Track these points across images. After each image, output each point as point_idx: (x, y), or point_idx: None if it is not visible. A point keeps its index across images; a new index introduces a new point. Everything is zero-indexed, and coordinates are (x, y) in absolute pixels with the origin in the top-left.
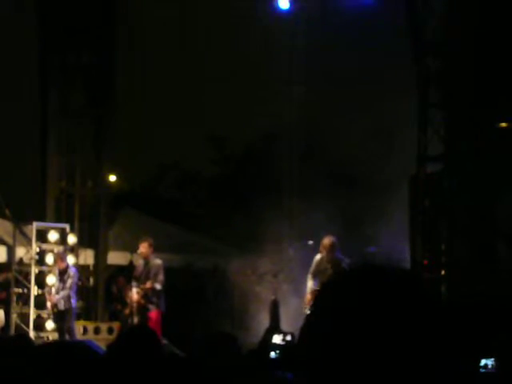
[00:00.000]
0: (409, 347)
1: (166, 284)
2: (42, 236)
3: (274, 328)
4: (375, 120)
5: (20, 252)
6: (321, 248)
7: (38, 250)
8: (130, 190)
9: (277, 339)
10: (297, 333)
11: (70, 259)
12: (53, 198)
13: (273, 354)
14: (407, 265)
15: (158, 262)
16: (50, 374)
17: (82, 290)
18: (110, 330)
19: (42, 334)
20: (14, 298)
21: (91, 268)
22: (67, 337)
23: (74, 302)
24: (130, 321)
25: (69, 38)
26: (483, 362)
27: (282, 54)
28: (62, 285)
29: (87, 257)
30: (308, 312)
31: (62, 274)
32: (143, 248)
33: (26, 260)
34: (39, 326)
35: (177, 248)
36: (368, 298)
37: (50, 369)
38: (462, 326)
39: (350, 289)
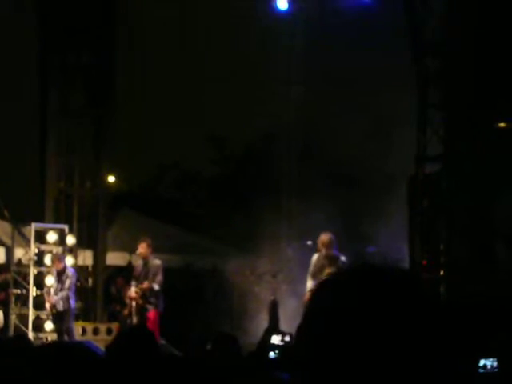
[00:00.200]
0: (407, 347)
1: (165, 284)
2: (40, 237)
3: (273, 328)
4: (374, 120)
5: (19, 253)
6: (319, 245)
7: (36, 250)
8: (128, 191)
9: (276, 339)
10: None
11: (69, 260)
12: (51, 199)
13: (272, 355)
14: (406, 265)
15: (157, 262)
16: (49, 375)
17: (80, 291)
18: (109, 331)
19: (41, 335)
20: (13, 299)
21: (90, 269)
22: (66, 337)
23: (72, 302)
24: (128, 321)
25: (69, 38)
26: (482, 362)
27: (280, 54)
28: (60, 286)
29: (86, 257)
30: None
31: (60, 275)
32: (142, 248)
33: (24, 261)
34: (38, 326)
35: (176, 248)
36: (366, 297)
37: (48, 370)
38: (460, 327)
39: (348, 288)
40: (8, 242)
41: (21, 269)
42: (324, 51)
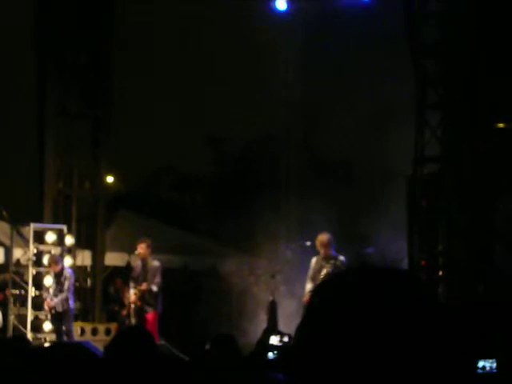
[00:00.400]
0: (406, 347)
1: (164, 285)
2: (39, 237)
3: (272, 329)
4: (373, 120)
5: (17, 253)
6: (317, 245)
7: (35, 251)
8: (127, 191)
9: (274, 340)
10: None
11: (68, 260)
12: (50, 199)
13: (270, 355)
14: (405, 265)
15: (155, 263)
16: (48, 376)
17: (79, 291)
18: (108, 331)
19: (40, 336)
20: (12, 300)
21: (88, 269)
22: (65, 338)
23: (71, 303)
24: (127, 322)
25: (67, 39)
26: (481, 363)
27: (279, 54)
28: (59, 287)
29: (84, 258)
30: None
31: (59, 277)
32: (141, 249)
33: (23, 261)
34: (37, 327)
35: (174, 249)
36: (365, 298)
37: (47, 370)
38: (459, 327)
39: (348, 289)
40: (7, 242)
41: (19, 269)
42: (323, 51)
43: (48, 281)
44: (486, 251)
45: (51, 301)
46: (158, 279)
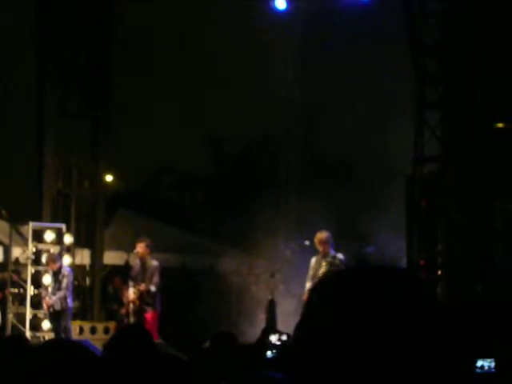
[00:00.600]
0: (406, 346)
1: (162, 284)
2: (38, 236)
3: (271, 328)
4: (372, 120)
5: (16, 252)
6: (315, 243)
7: (34, 249)
8: (126, 190)
9: (273, 339)
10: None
11: (66, 259)
12: (49, 198)
13: (269, 354)
14: (404, 264)
15: (154, 263)
16: (46, 374)
17: (78, 290)
18: (106, 330)
19: (38, 334)
20: (10, 298)
21: (87, 268)
22: (63, 336)
23: (70, 301)
24: (126, 321)
25: (67, 39)
26: (480, 363)
27: (278, 53)
28: (57, 285)
29: (83, 257)
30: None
31: (57, 275)
32: (140, 248)
33: (22, 260)
34: (35, 325)
35: (173, 248)
36: (365, 297)
37: (46, 369)
38: (458, 327)
39: (347, 288)
40: (5, 241)
41: (18, 268)
42: (322, 51)
43: (47, 279)
44: (484, 251)
45: (49, 299)
46: (156, 279)
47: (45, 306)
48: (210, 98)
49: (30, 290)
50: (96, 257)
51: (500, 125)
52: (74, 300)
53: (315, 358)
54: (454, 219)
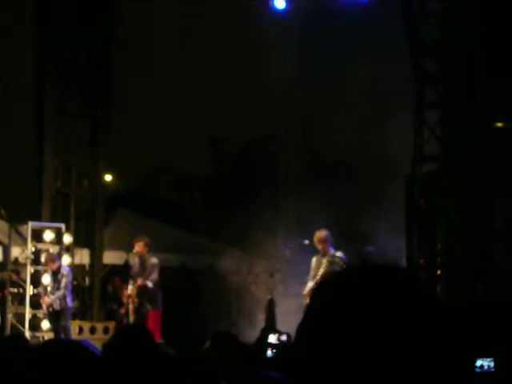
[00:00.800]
0: (407, 346)
1: (162, 283)
2: (37, 236)
3: (270, 328)
4: (372, 119)
5: (15, 252)
6: (315, 242)
7: (33, 249)
8: (125, 190)
9: (272, 339)
10: (293, 333)
11: (66, 259)
12: (48, 198)
13: (269, 353)
14: (403, 264)
15: (153, 260)
16: (46, 374)
17: (77, 290)
18: (106, 330)
19: (38, 334)
20: (10, 298)
21: (87, 267)
22: (62, 336)
23: (69, 301)
24: (125, 320)
25: (66, 38)
26: (479, 362)
27: (278, 53)
28: (56, 285)
29: (83, 256)
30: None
31: (56, 275)
32: (139, 247)
33: (21, 260)
34: (35, 325)
35: (172, 247)
36: (366, 296)
37: (45, 368)
38: (458, 326)
39: (348, 287)
40: (5, 240)
41: (18, 267)
42: (321, 50)
43: (46, 279)
44: (484, 250)
45: (47, 298)
46: (154, 276)
47: (43, 305)
48: (210, 98)
49: (30, 290)
50: (95, 256)
51: (499, 124)
52: (73, 300)
53: (317, 357)
54: (453, 219)
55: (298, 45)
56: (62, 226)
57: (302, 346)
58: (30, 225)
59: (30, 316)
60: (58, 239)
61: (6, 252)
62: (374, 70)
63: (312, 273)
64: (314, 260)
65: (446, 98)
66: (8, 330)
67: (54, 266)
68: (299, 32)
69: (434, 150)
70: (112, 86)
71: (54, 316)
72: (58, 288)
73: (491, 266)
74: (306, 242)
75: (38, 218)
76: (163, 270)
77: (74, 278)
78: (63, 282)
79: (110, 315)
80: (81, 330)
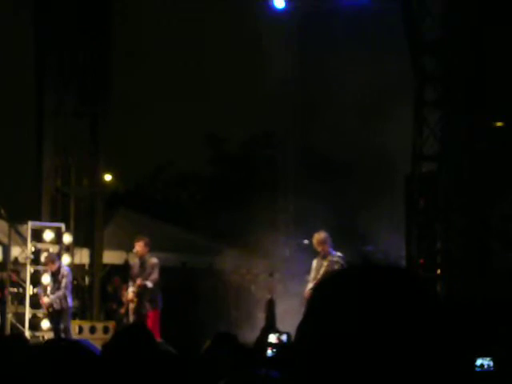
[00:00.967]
0: (408, 346)
1: (161, 283)
2: (37, 235)
3: (270, 327)
4: (371, 118)
5: (15, 251)
6: (314, 244)
7: (33, 249)
8: (125, 189)
9: (272, 338)
10: (293, 332)
11: (66, 258)
12: (48, 197)
13: (269, 353)
14: (403, 263)
15: (153, 260)
16: (45, 374)
17: (77, 290)
18: (106, 330)
19: (38, 334)
20: (10, 298)
21: (87, 267)
22: (63, 336)
23: (70, 301)
24: (125, 320)
25: (65, 38)
26: (479, 361)
27: (277, 52)
28: (56, 285)
29: (83, 256)
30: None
31: (56, 275)
32: (139, 247)
33: (21, 259)
34: (34, 325)
35: (172, 247)
36: (367, 296)
37: (45, 368)
38: (458, 325)
39: (349, 287)
40: (4, 240)
41: (17, 267)
42: (321, 50)
43: (46, 279)
44: (483, 249)
45: (46, 298)
46: (154, 275)
47: (42, 305)
48: (210, 98)
49: (29, 290)
50: (95, 256)
51: (499, 123)
52: (73, 299)
53: (317, 357)
54: (452, 218)
55: (298, 44)
56: (62, 226)
57: (301, 346)
58: (30, 224)
59: (30, 316)
60: (58, 239)
61: (6, 252)
62: (373, 70)
63: (312, 275)
64: (314, 262)
65: (446, 97)
66: (8, 330)
67: (54, 267)
68: (298, 31)
69: (434, 149)
70: (111, 85)
71: (55, 316)
72: (59, 288)
73: (490, 264)
74: (306, 241)
75: (37, 218)
76: (162, 270)
77: (74, 278)
78: (63, 282)
79: (109, 315)
80: (81, 329)
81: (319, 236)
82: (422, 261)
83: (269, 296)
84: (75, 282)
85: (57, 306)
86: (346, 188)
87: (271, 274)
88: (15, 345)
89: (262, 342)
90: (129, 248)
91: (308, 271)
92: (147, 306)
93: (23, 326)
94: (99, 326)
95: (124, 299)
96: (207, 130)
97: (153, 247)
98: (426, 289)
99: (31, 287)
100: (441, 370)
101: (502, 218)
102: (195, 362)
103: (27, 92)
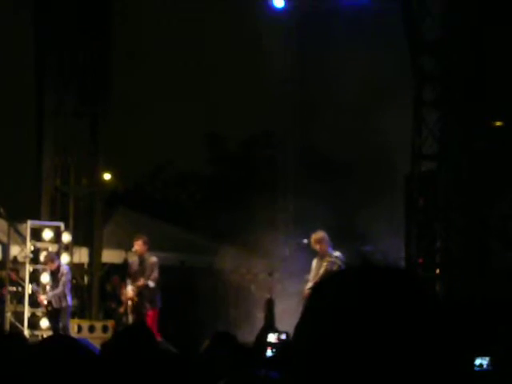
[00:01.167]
0: (407, 346)
1: (161, 282)
2: (36, 234)
3: (269, 327)
4: (371, 118)
5: (14, 250)
6: (312, 243)
7: (32, 248)
8: (124, 189)
9: (272, 338)
10: (291, 332)
11: (65, 257)
12: (47, 197)
13: (269, 353)
14: (402, 263)
15: (153, 259)
16: (44, 373)
17: (76, 289)
18: (105, 329)
19: (37, 333)
20: (9, 297)
21: (86, 266)
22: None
23: (69, 299)
24: (124, 319)
25: (65, 38)
26: (479, 361)
27: (276, 52)
28: (55, 284)
29: (82, 255)
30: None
31: (55, 274)
32: (137, 246)
33: (20, 258)
34: (33, 324)
35: (171, 246)
36: (365, 296)
37: (43, 367)
38: (458, 325)
39: (348, 287)
40: (4, 239)
41: (16, 266)
42: (321, 49)
43: (45, 278)
44: (483, 249)
45: (44, 296)
46: (155, 274)
47: (41, 303)
48: (209, 97)
49: (28, 289)
50: (94, 255)
51: (498, 123)
52: (72, 298)
53: (315, 357)
54: (452, 217)
55: (297, 44)
56: (61, 225)
57: (300, 346)
58: (29, 223)
59: (29, 314)
60: (57, 238)
61: (5, 251)
62: (372, 69)
63: (312, 274)
64: (314, 262)
65: (445, 96)
66: (7, 329)
67: (54, 266)
68: (298, 31)
69: (433, 148)
70: (111, 85)
71: (54, 315)
72: (58, 287)
73: (490, 264)
74: (305, 241)
75: (37, 217)
76: (161, 269)
77: (73, 277)
78: (62, 280)
79: (108, 314)
80: (80, 328)
81: (316, 235)
82: (421, 260)
83: (268, 295)
84: (74, 281)
85: (56, 305)
86: (345, 188)
87: (271, 274)
88: (14, 343)
89: (261, 342)
90: (128, 247)
91: (308, 271)
92: (147, 305)
93: (22, 324)
94: (98, 325)
95: (123, 298)
96: (207, 130)
97: (152, 247)
98: (424, 289)
99: (30, 286)
100: (440, 369)
101: (501, 218)
102: (194, 362)
103: (27, 92)
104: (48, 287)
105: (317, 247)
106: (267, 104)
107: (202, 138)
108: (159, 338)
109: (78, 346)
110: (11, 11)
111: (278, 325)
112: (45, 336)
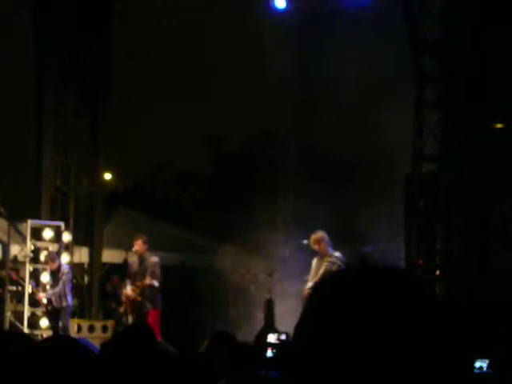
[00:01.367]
0: (406, 347)
1: (161, 282)
2: (36, 234)
3: (269, 327)
4: (371, 119)
5: (14, 250)
6: (311, 244)
7: (32, 247)
8: (124, 188)
9: (272, 338)
10: (291, 332)
11: (65, 257)
12: (48, 196)
13: (269, 353)
14: (402, 264)
15: (154, 259)
16: (43, 373)
17: (76, 288)
18: (105, 329)
19: (36, 332)
20: (9, 296)
21: (86, 266)
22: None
23: (70, 299)
24: (124, 319)
25: (65, 38)
26: (478, 363)
27: (278, 53)
28: (56, 283)
29: (82, 255)
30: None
31: (55, 274)
32: (137, 245)
33: (20, 258)
34: (33, 323)
35: (171, 246)
36: (365, 297)
37: (43, 367)
38: (458, 326)
39: (347, 288)
40: (4, 238)
41: (17, 266)
42: (321, 50)
43: (45, 277)
44: (483, 250)
45: (43, 294)
46: (157, 274)
47: (40, 301)
48: (209, 97)
49: (28, 288)
50: (94, 255)
51: (499, 125)
52: (72, 298)
53: (315, 357)
54: (452, 219)
55: (298, 44)
56: (62, 225)
57: (300, 346)
58: (30, 223)
59: (29, 314)
60: (57, 237)
61: (5, 250)
62: (373, 69)
63: (312, 273)
64: (314, 261)
65: (446, 97)
66: (7, 328)
67: (54, 266)
68: (299, 31)
69: (434, 149)
70: (111, 85)
71: (53, 314)
72: (58, 285)
73: (490, 265)
74: (305, 241)
75: (37, 216)
76: (162, 269)
77: (73, 277)
78: (63, 279)
79: (108, 314)
80: (79, 328)
81: (315, 235)
82: (421, 261)
83: (268, 296)
84: (74, 281)
85: (56, 304)
86: (345, 188)
87: (270, 274)
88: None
89: (261, 342)
90: (128, 247)
91: (308, 271)
92: (148, 304)
93: (22, 324)
94: (98, 324)
95: (123, 297)
96: (207, 130)
97: (152, 246)
98: (424, 290)
99: (30, 286)
100: (439, 372)
101: (501, 219)
102: (194, 362)
103: (27, 92)
104: (48, 287)
105: (316, 247)
106: (268, 104)
107: (202, 138)
108: (161, 338)
109: (78, 346)
110: (11, 11)
111: (278, 325)
112: (44, 335)
